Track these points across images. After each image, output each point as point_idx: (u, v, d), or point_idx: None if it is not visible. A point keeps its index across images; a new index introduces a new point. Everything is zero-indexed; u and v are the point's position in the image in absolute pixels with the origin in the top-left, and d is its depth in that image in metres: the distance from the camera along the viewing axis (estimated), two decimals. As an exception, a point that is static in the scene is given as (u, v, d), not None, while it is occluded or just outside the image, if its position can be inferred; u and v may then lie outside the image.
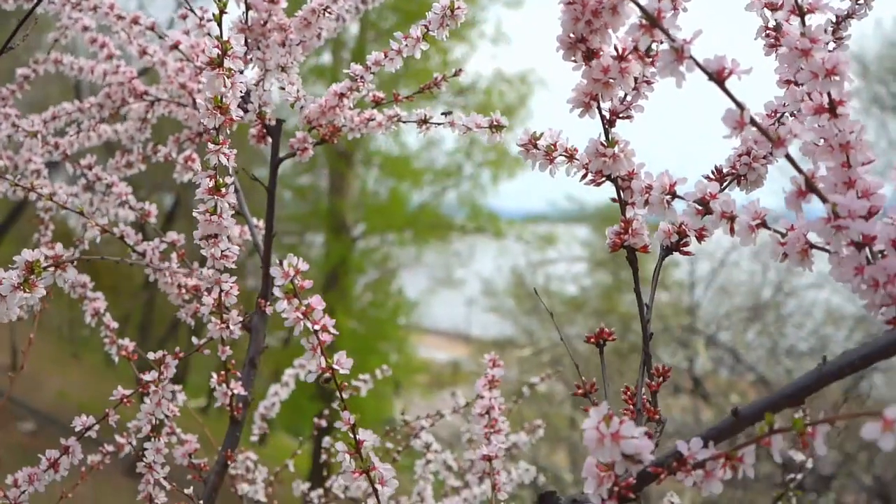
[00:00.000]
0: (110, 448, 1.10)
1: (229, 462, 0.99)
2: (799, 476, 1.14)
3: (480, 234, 11.60)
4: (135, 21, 1.09)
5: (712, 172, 0.68)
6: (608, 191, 0.66)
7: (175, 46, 1.03)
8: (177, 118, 1.19)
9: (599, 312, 8.54)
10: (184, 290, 1.01)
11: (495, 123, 0.83)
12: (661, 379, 0.62)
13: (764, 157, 0.66)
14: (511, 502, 1.29)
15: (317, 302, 0.62)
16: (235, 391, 0.96)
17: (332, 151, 10.98)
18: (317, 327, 0.61)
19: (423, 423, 1.32)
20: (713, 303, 7.48)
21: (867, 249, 0.51)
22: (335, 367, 0.62)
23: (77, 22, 1.19)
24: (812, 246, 0.54)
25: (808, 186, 0.51)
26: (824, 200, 0.50)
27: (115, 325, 1.09)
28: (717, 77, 0.50)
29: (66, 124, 1.18)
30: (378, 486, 0.64)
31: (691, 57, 0.49)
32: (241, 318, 0.91)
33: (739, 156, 0.68)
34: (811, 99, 0.54)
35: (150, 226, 1.09)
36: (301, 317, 0.61)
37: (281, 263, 0.61)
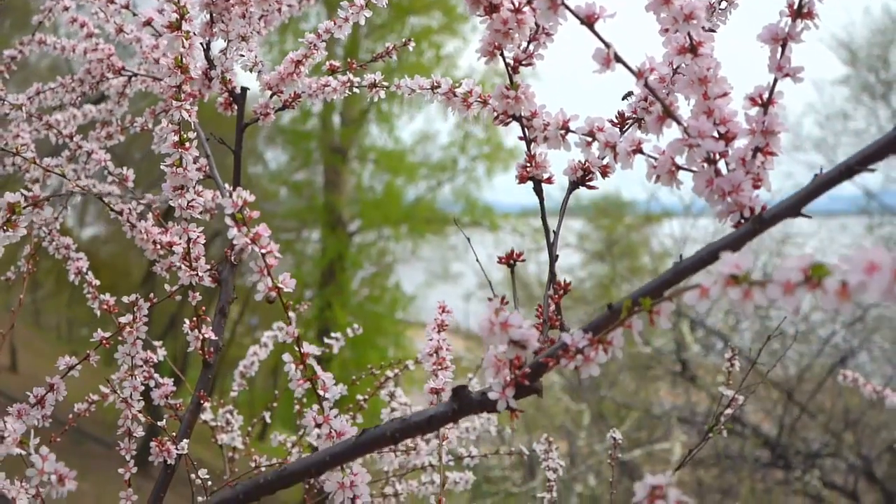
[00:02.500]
0: (95, 397, 1.20)
1: (202, 402, 1.08)
2: (729, 411, 1.23)
3: (476, 227, 11.67)
4: (110, 0, 1.17)
5: (616, 116, 0.77)
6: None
7: (148, 23, 1.12)
8: (153, 92, 1.28)
9: (595, 302, 8.64)
10: (158, 247, 1.10)
11: (435, 85, 0.92)
12: (562, 292, 0.71)
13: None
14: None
15: (263, 230, 0.71)
16: (207, 336, 1.05)
17: (327, 148, 11.08)
18: (264, 251, 0.70)
19: (388, 374, 1.41)
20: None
21: (718, 165, 0.60)
22: (280, 285, 0.71)
23: (58, 3, 1.28)
24: (678, 167, 0.63)
25: (667, 113, 0.60)
26: (680, 124, 0.59)
27: (97, 282, 1.18)
28: (588, 21, 0.59)
29: (51, 100, 1.27)
30: (321, 392, 0.73)
31: (563, 4, 0.58)
32: (208, 267, 1.00)
33: (639, 101, 0.76)
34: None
35: (129, 190, 1.18)
36: (249, 242, 0.70)
37: (231, 195, 0.69)
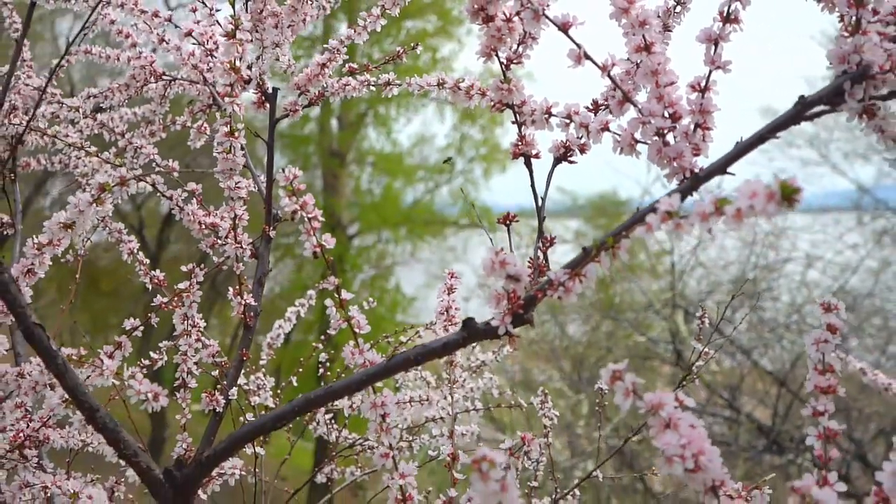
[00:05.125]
0: (146, 362, 1.36)
1: (245, 359, 1.25)
2: (700, 363, 1.40)
3: (474, 228, 11.85)
4: (155, 14, 1.35)
5: (591, 103, 0.94)
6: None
7: (189, 33, 1.29)
8: (189, 94, 1.45)
9: (593, 302, 8.81)
10: (203, 227, 1.27)
11: (441, 81, 1.09)
12: (549, 244, 0.88)
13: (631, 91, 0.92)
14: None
15: (309, 198, 0.88)
16: (248, 302, 1.22)
17: (326, 152, 11.26)
18: (310, 215, 0.88)
19: (402, 339, 1.58)
20: (698, 281, 7.78)
21: (667, 138, 0.77)
22: (323, 243, 0.88)
23: (105, 17, 1.45)
24: (636, 140, 0.80)
25: (625, 98, 0.78)
26: (636, 106, 0.77)
27: (147, 261, 1.35)
28: (563, 27, 0.76)
29: (102, 102, 1.44)
30: (356, 330, 0.90)
31: (545, 15, 0.76)
32: (251, 241, 1.17)
33: (608, 91, 0.94)
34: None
35: (173, 177, 1.35)
36: (299, 208, 0.87)
37: (283, 171, 0.87)
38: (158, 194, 1.27)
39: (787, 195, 0.53)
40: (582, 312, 8.59)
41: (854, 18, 0.69)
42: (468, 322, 0.83)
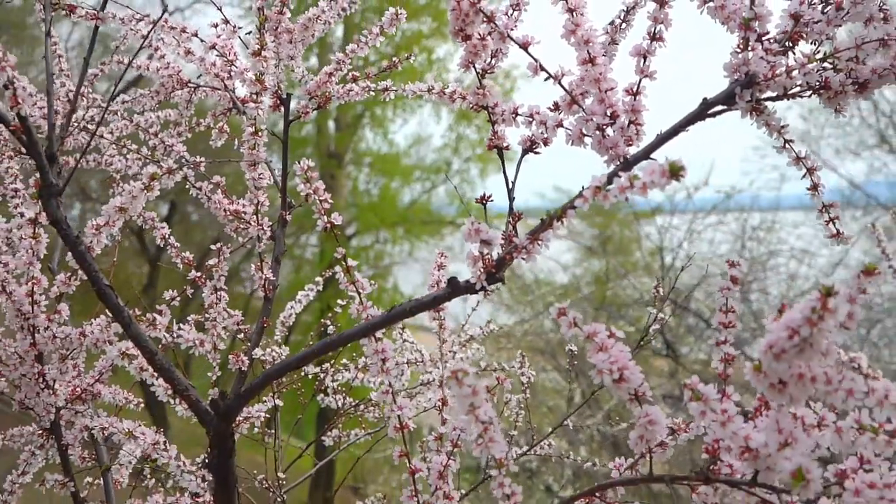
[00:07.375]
0: (193, 317, 1.56)
1: (265, 326, 1.45)
2: (656, 327, 1.60)
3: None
4: (183, 30, 1.55)
5: (553, 104, 1.15)
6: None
7: (213, 46, 1.50)
8: (212, 100, 1.65)
9: (590, 299, 9.02)
10: (227, 213, 1.48)
11: (430, 87, 1.30)
12: (518, 218, 1.08)
13: (581, 95, 1.13)
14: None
15: (321, 184, 1.09)
16: (268, 276, 1.43)
17: (323, 153, 11.46)
18: (321, 198, 1.08)
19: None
20: (691, 275, 8.01)
21: (607, 132, 0.98)
22: (332, 220, 1.09)
23: (137, 32, 1.65)
24: (583, 134, 1.01)
25: (573, 100, 0.98)
26: (581, 107, 0.98)
27: (177, 245, 1.55)
28: (524, 45, 0.97)
29: (134, 107, 1.65)
30: (360, 291, 1.11)
31: (509, 36, 0.96)
32: (271, 223, 1.38)
33: (563, 96, 1.14)
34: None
35: (199, 171, 1.56)
36: (311, 192, 1.08)
37: (299, 163, 1.07)
38: (188, 185, 1.47)
39: (675, 172, 0.74)
40: (576, 307, 8.78)
41: (743, 38, 0.90)
42: (452, 280, 1.03)
